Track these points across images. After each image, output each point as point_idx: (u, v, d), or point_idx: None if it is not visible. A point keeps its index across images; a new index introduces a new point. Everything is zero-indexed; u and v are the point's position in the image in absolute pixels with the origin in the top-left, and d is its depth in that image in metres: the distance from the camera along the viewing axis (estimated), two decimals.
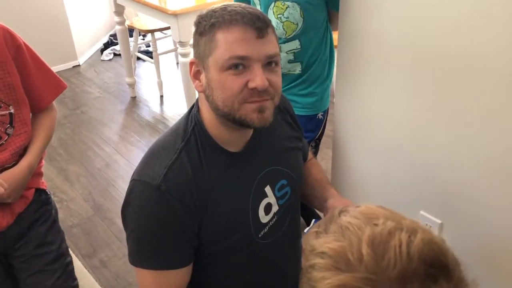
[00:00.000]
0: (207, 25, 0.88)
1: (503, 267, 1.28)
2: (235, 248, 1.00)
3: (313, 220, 1.06)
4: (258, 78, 0.86)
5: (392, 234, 0.54)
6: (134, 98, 3.57)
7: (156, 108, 3.45)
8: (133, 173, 0.96)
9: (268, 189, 1.03)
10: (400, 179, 1.44)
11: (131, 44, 3.57)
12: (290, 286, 1.16)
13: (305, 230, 1.04)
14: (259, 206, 1.01)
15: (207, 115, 0.95)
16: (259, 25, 0.86)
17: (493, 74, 1.09)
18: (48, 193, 1.40)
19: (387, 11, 1.27)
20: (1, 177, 1.17)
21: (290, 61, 1.63)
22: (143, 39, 4.38)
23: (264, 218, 1.02)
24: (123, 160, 2.82)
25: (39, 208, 1.35)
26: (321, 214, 1.15)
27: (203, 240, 0.96)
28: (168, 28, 3.42)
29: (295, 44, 1.59)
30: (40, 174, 1.35)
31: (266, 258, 1.07)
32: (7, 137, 1.20)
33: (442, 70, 1.19)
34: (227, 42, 0.86)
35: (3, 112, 1.19)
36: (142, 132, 3.13)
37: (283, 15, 1.55)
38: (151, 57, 3.60)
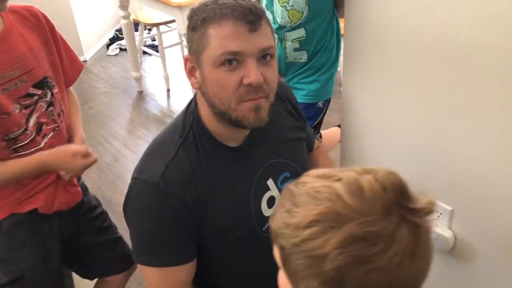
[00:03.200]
0: (199, 20, 0.87)
1: None
2: (239, 242, 0.99)
3: None
4: (252, 73, 0.84)
5: (358, 180, 0.57)
6: (141, 93, 3.58)
7: (163, 102, 3.46)
8: (133, 171, 0.96)
9: (270, 182, 1.02)
10: (409, 166, 1.43)
11: (137, 38, 3.57)
12: None
13: None
14: (261, 199, 1.00)
15: (205, 111, 0.94)
16: (251, 19, 0.84)
17: (503, 66, 1.08)
18: None
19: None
20: (76, 144, 1.26)
21: (296, 49, 1.63)
22: (149, 33, 4.38)
23: (267, 212, 1.02)
24: (131, 154, 2.83)
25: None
26: None
27: (205, 235, 0.96)
28: (173, 21, 3.41)
29: (301, 33, 1.58)
30: None
31: (270, 250, 1.07)
32: (63, 114, 1.24)
33: (452, 58, 1.18)
34: (218, 38, 0.84)
35: (56, 90, 1.21)
36: (149, 126, 3.13)
37: (288, 3, 1.54)
38: (157, 51, 3.59)
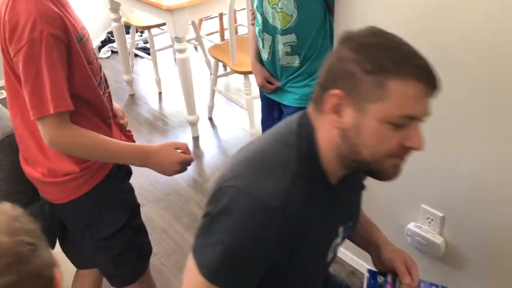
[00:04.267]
0: (376, 63, 0.77)
1: (506, 257, 1.26)
2: (295, 276, 0.95)
3: (367, 270, 1.07)
4: (419, 139, 0.81)
5: None
6: (132, 96, 3.55)
7: (154, 105, 3.43)
8: (236, 179, 0.85)
9: (341, 230, 0.98)
10: (401, 173, 1.42)
11: (128, 41, 3.55)
12: None
13: (364, 286, 1.04)
14: (331, 246, 0.97)
15: (325, 145, 0.86)
16: (437, 86, 0.80)
17: (500, 72, 1.07)
18: None
19: (383, 5, 1.24)
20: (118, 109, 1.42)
21: (287, 54, 1.63)
22: (141, 36, 4.35)
23: (328, 258, 1.00)
24: None
25: None
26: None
27: (279, 267, 0.89)
28: (165, 24, 3.39)
29: (292, 38, 1.59)
30: None
31: (311, 283, 1.05)
32: None
33: (439, 65, 1.17)
34: (401, 97, 0.77)
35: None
36: (141, 129, 3.11)
37: (277, 5, 1.54)
38: (149, 54, 3.57)
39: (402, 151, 0.82)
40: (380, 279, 1.04)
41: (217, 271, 0.84)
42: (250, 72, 2.64)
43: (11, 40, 1.05)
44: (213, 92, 3.05)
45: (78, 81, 1.13)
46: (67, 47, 1.09)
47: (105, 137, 1.17)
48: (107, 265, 1.36)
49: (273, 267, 0.87)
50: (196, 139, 2.95)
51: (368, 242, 1.11)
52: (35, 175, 1.23)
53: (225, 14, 3.55)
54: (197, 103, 2.91)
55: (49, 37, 1.04)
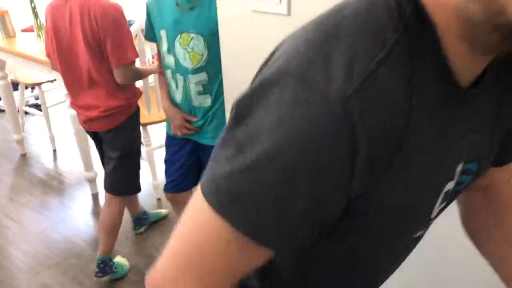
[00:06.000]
0: None
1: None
2: (384, 235, 0.60)
3: None
4: None
5: None
6: (24, 155, 3.34)
7: (49, 164, 3.26)
8: (277, 68, 0.47)
9: (458, 169, 0.60)
10: None
11: (17, 98, 3.37)
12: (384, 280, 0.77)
13: None
14: (443, 189, 0.59)
15: (440, 14, 0.47)
16: None
17: None
18: None
19: None
20: None
21: (200, 93, 1.69)
22: (32, 92, 4.15)
23: (434, 211, 0.62)
24: (13, 225, 2.59)
25: None
26: None
27: (356, 211, 0.52)
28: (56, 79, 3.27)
29: (203, 76, 1.66)
30: None
31: (396, 257, 0.72)
32: None
33: None
34: None
35: None
36: (34, 191, 2.92)
37: (188, 45, 1.62)
38: (41, 110, 3.41)
39: None
40: None
41: (228, 203, 0.48)
42: (148, 124, 2.64)
43: (102, 24, 1.75)
44: None
45: None
46: None
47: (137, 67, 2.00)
48: (127, 177, 2.10)
49: (353, 207, 0.51)
50: (95, 196, 2.83)
51: None
52: (94, 115, 1.92)
53: None
54: (95, 158, 2.81)
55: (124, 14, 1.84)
